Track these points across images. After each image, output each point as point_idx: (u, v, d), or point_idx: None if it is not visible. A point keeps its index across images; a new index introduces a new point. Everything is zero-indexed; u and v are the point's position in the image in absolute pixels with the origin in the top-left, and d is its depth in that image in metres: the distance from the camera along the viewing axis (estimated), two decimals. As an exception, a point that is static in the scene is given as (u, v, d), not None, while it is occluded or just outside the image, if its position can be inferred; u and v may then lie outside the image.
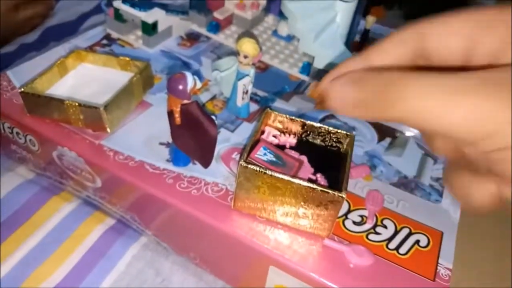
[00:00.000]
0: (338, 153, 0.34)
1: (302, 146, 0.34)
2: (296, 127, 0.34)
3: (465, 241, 0.34)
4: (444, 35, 0.20)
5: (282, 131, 0.35)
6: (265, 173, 0.28)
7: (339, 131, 0.33)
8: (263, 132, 0.34)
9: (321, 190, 0.28)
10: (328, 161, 0.33)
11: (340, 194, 0.28)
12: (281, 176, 0.28)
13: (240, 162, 0.28)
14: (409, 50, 0.22)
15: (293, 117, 0.34)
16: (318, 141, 0.34)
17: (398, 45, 0.22)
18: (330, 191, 0.28)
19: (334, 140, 0.34)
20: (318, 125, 0.34)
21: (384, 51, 0.22)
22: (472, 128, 0.16)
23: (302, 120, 0.34)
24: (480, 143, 0.17)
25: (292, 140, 0.34)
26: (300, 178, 0.28)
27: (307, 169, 0.32)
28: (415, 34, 0.21)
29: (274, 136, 0.34)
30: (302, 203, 0.29)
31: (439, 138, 0.21)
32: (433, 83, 0.17)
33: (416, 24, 0.21)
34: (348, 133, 0.33)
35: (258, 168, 0.28)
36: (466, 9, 0.20)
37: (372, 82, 0.20)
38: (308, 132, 0.34)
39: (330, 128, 0.33)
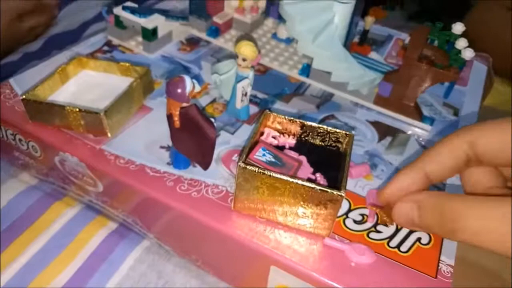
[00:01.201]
0: (337, 152, 0.34)
1: (302, 146, 0.34)
2: (295, 128, 0.34)
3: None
4: (494, 143, 0.22)
5: (281, 132, 0.35)
6: (263, 173, 0.28)
7: (338, 130, 0.33)
8: (262, 134, 0.34)
9: (320, 190, 0.28)
10: (328, 160, 0.33)
11: (339, 193, 0.28)
12: (280, 176, 0.28)
13: (239, 163, 0.29)
14: (461, 160, 0.24)
15: (292, 118, 0.34)
16: (317, 141, 0.34)
17: (450, 155, 0.24)
18: (329, 190, 0.28)
19: (333, 140, 0.34)
20: (317, 125, 0.34)
21: (438, 162, 0.24)
22: None
23: (301, 120, 0.34)
24: None
25: (291, 141, 0.34)
26: (299, 178, 0.28)
27: (306, 169, 0.32)
28: (466, 143, 0.23)
29: (274, 137, 0.34)
30: (302, 203, 0.29)
31: None
32: (487, 213, 0.20)
33: (466, 130, 0.23)
34: (347, 133, 0.33)
35: (256, 169, 0.28)
36: None
37: (432, 207, 0.22)
38: (307, 133, 0.34)
39: (329, 128, 0.33)
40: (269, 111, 0.34)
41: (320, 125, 0.34)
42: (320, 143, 0.34)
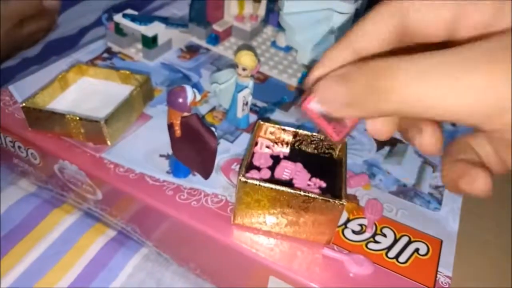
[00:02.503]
0: (331, 159, 0.34)
1: (296, 155, 0.34)
2: (288, 137, 0.35)
3: (465, 249, 0.34)
4: (427, 8, 0.19)
5: (275, 142, 0.35)
6: (265, 186, 0.29)
7: None
8: (256, 144, 0.34)
9: (321, 199, 0.28)
10: (322, 167, 0.33)
11: (340, 202, 0.28)
12: (281, 188, 0.28)
13: (239, 177, 0.29)
14: (390, 28, 0.20)
15: (285, 127, 0.34)
16: (310, 149, 0.35)
17: (379, 24, 0.20)
18: (330, 200, 0.28)
19: (327, 147, 0.34)
20: (310, 133, 0.34)
21: (365, 32, 0.20)
22: (474, 110, 0.15)
23: (293, 129, 0.34)
24: (485, 125, 0.15)
25: (285, 150, 0.35)
26: (300, 189, 0.29)
27: (304, 175, 0.32)
28: (395, 9, 0.20)
29: (267, 147, 0.34)
30: (303, 212, 0.29)
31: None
32: (423, 67, 0.16)
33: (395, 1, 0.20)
34: None
35: (257, 182, 0.29)
36: None
37: (360, 75, 0.18)
38: (301, 141, 0.35)
39: (322, 136, 0.34)
40: (261, 121, 0.34)
41: (312, 133, 0.34)
42: (313, 151, 0.35)
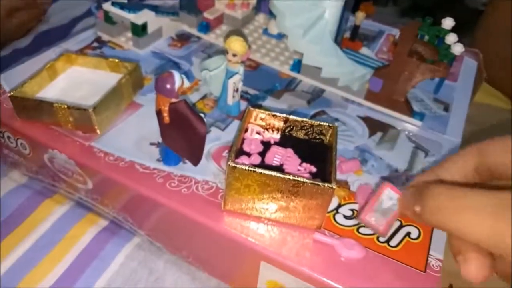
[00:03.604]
0: (322, 144, 0.34)
1: (286, 140, 0.34)
2: (278, 123, 0.34)
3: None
4: (502, 153, 0.23)
5: (265, 128, 0.35)
6: (254, 171, 0.28)
7: (321, 123, 0.34)
8: (246, 130, 0.34)
9: (311, 183, 0.28)
10: (313, 153, 0.33)
11: (330, 186, 0.28)
12: (270, 173, 0.28)
13: (228, 163, 0.29)
14: (470, 167, 0.24)
15: (275, 113, 0.34)
16: (301, 135, 0.34)
17: (461, 163, 0.25)
18: (320, 184, 0.28)
19: (317, 132, 0.34)
20: (300, 119, 0.34)
21: (448, 168, 0.25)
22: (494, 243, 0.19)
23: (284, 115, 0.34)
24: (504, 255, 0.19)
25: (276, 136, 0.34)
26: (290, 173, 0.28)
27: (294, 161, 0.32)
28: (476, 152, 0.24)
29: (258, 133, 0.34)
30: (293, 197, 0.29)
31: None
32: (461, 202, 0.20)
33: (478, 143, 0.24)
34: (331, 125, 0.33)
35: (247, 167, 0.28)
36: None
37: (421, 198, 0.23)
38: (291, 127, 0.34)
39: (312, 121, 0.34)
40: (251, 108, 0.34)
41: (303, 119, 0.34)
42: (304, 137, 0.35)
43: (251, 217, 0.31)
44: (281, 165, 0.32)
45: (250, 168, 0.28)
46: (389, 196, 0.28)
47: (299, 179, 0.28)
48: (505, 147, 0.23)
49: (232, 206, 0.31)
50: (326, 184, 0.28)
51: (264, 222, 0.31)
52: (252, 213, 0.31)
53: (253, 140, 0.34)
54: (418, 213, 0.23)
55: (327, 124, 0.33)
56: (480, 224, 0.19)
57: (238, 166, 0.28)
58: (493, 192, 0.20)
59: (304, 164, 0.32)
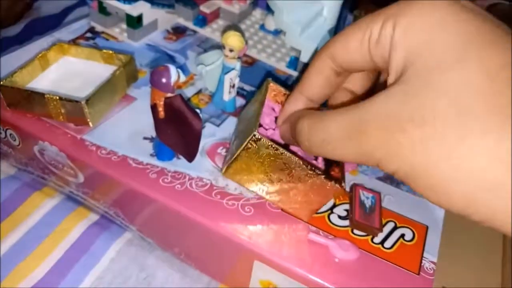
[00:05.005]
0: None
1: None
2: None
3: (450, 235, 0.34)
4: (344, 50, 0.23)
5: (278, 103, 0.34)
6: (277, 149, 0.27)
7: None
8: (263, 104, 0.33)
9: (324, 178, 0.28)
10: None
11: (338, 186, 0.28)
12: (292, 156, 0.27)
13: (254, 133, 0.27)
14: (328, 74, 0.24)
15: (287, 92, 0.33)
16: None
17: (319, 75, 0.25)
18: (331, 182, 0.28)
19: None
20: None
21: (310, 84, 0.26)
22: (366, 161, 0.20)
23: None
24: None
25: None
26: (308, 162, 0.28)
27: None
28: (326, 58, 0.24)
29: (273, 109, 0.33)
30: (299, 185, 0.29)
31: None
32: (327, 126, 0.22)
33: (325, 45, 0.24)
34: None
35: (271, 144, 0.27)
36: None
37: (296, 129, 0.25)
38: None
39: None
40: (270, 79, 0.33)
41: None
42: None
43: (246, 216, 0.31)
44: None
45: (273, 145, 0.27)
46: (365, 196, 0.33)
47: (316, 171, 0.28)
48: (345, 42, 0.22)
49: (233, 175, 0.30)
50: (337, 184, 0.28)
51: (258, 221, 0.31)
52: (250, 187, 0.31)
53: (269, 114, 0.33)
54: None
55: None
56: (345, 150, 0.20)
57: (263, 139, 0.27)
58: (346, 112, 0.20)
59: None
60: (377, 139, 0.18)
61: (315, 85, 0.25)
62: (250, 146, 0.28)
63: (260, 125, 0.31)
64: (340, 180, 0.28)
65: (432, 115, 0.17)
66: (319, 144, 0.22)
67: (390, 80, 0.19)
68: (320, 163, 0.31)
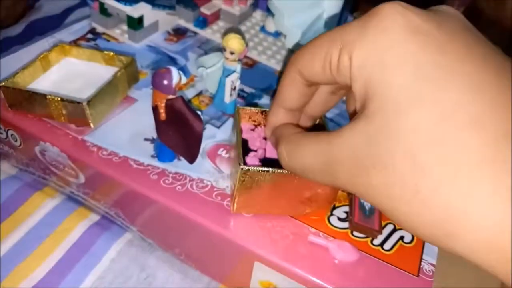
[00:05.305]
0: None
1: None
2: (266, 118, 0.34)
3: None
4: (310, 62, 0.22)
5: (255, 125, 0.34)
6: (267, 171, 0.28)
7: None
8: (241, 131, 0.33)
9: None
10: None
11: None
12: (283, 170, 0.27)
13: (241, 166, 0.28)
14: (299, 87, 0.24)
15: (260, 109, 0.33)
16: None
17: (292, 88, 0.25)
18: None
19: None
20: None
21: (286, 97, 0.26)
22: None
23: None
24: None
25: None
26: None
27: None
28: (295, 74, 0.24)
29: (252, 130, 0.34)
30: (304, 191, 0.30)
31: None
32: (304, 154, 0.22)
33: (292, 60, 0.24)
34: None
35: (260, 169, 0.28)
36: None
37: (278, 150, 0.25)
38: None
39: None
40: (238, 106, 0.33)
41: None
42: None
43: (246, 217, 0.31)
44: None
45: (263, 168, 0.28)
46: None
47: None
48: (310, 61, 0.22)
49: (243, 208, 0.31)
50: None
51: (258, 222, 0.31)
52: (260, 212, 0.31)
53: (256, 137, 0.33)
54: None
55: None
56: (325, 181, 0.21)
57: (251, 168, 0.28)
58: (319, 144, 0.21)
59: None
60: (347, 179, 0.19)
61: (290, 97, 0.25)
62: (243, 179, 0.28)
63: (250, 150, 0.32)
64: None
65: (391, 164, 0.17)
66: (300, 172, 0.23)
67: (357, 105, 0.19)
68: None
